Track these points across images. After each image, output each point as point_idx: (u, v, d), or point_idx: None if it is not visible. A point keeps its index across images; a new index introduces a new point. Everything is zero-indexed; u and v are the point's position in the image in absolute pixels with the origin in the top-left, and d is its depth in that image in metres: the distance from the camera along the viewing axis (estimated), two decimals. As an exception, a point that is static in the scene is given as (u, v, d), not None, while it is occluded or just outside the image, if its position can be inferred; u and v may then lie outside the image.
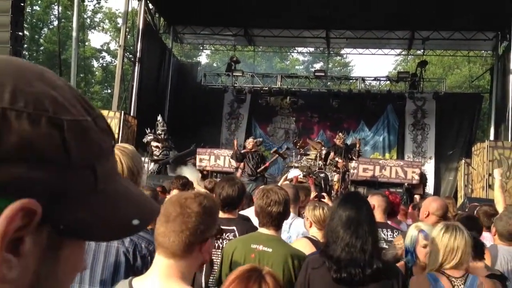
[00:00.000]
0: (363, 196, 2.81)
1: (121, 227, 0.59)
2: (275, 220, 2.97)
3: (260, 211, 3.00)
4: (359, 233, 2.51)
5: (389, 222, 4.75)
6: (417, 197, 12.95)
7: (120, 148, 2.18)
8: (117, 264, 2.10)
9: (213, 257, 3.39)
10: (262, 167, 12.66)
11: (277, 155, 14.35)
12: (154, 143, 14.62)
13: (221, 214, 3.58)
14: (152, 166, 14.62)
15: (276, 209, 2.93)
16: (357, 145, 14.04)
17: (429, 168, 18.24)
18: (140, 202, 0.63)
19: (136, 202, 0.62)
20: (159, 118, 15.50)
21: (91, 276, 2.10)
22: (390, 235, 4.15)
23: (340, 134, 14.32)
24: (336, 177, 12.88)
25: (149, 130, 14.82)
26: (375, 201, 4.33)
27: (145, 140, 14.59)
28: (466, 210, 7.62)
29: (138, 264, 2.12)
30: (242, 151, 12.88)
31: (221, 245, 3.38)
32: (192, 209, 1.70)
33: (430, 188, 16.66)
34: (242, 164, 12.71)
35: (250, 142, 12.89)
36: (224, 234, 3.44)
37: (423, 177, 14.76)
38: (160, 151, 14.72)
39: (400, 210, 5.83)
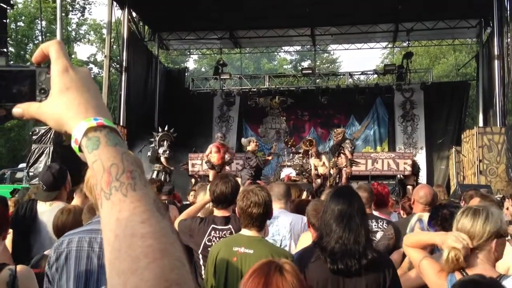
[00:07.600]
0: (354, 190, 2.85)
1: None
2: (256, 221, 2.98)
3: (241, 212, 3.03)
4: (352, 226, 2.56)
5: (376, 213, 4.81)
6: (409, 187, 13.00)
7: None
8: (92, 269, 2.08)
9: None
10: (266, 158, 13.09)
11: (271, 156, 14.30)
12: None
13: (216, 212, 3.60)
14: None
15: (256, 210, 2.95)
16: (349, 146, 13.34)
17: (421, 158, 18.32)
18: None
19: None
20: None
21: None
22: (375, 225, 4.19)
23: (338, 129, 12.96)
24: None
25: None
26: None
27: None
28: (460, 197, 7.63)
29: None
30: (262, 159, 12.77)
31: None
32: None
33: (423, 178, 16.69)
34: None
35: (253, 145, 12.54)
36: (220, 232, 3.45)
37: (415, 168, 14.83)
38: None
39: (389, 201, 5.89)
